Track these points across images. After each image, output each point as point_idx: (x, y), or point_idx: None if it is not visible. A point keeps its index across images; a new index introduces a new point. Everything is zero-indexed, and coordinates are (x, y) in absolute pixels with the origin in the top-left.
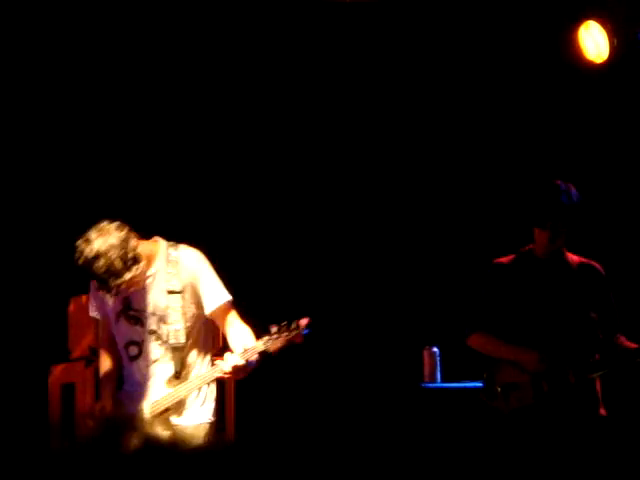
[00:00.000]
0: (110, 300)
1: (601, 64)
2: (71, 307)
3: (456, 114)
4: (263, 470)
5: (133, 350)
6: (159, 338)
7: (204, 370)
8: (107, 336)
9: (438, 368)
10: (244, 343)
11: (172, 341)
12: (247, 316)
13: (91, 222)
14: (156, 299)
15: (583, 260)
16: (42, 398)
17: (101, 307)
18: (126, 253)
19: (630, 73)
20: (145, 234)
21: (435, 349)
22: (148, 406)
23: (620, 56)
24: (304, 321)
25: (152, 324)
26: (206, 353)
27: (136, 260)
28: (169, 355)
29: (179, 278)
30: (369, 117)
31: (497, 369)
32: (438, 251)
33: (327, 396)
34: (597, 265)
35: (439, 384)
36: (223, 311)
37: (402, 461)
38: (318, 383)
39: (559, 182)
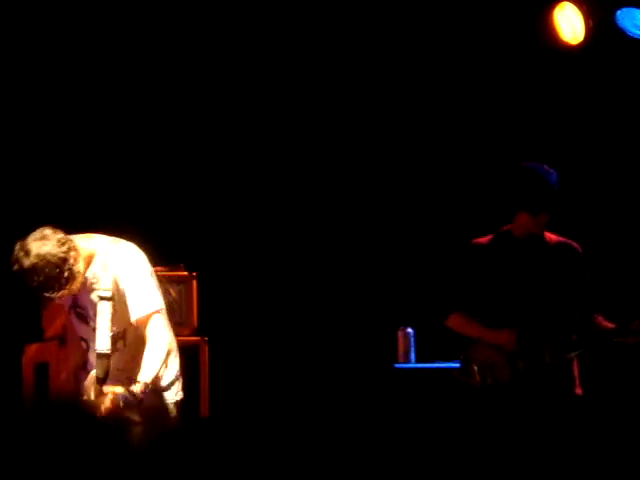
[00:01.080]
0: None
1: (577, 45)
2: None
3: (433, 97)
4: (236, 447)
5: (84, 345)
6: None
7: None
8: None
9: (412, 349)
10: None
11: (97, 347)
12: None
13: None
14: (91, 302)
15: (561, 239)
16: (16, 378)
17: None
18: (62, 272)
19: (606, 54)
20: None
21: (409, 330)
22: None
23: (596, 37)
24: None
25: (93, 322)
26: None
27: (69, 279)
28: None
29: (109, 282)
30: (346, 94)
31: (474, 348)
32: (412, 232)
33: (302, 376)
34: (575, 244)
35: (413, 364)
36: (145, 321)
37: (375, 442)
38: (293, 363)
39: (538, 165)
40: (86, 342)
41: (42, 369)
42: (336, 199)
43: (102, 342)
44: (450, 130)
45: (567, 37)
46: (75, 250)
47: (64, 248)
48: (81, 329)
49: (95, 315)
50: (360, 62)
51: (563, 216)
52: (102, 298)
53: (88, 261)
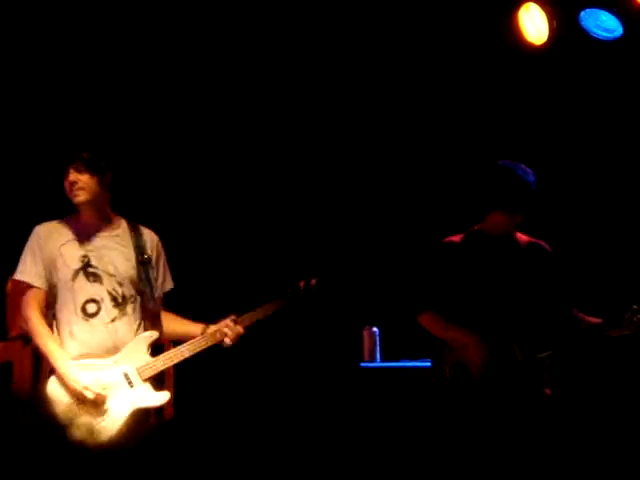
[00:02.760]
0: (67, 258)
1: (541, 46)
2: (8, 286)
3: (400, 98)
4: (201, 448)
5: (91, 308)
6: (114, 300)
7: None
8: (43, 304)
9: (378, 347)
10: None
11: (133, 308)
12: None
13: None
14: (121, 263)
15: (532, 240)
16: None
17: (49, 268)
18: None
19: (569, 54)
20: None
21: (375, 329)
22: (134, 370)
23: (560, 38)
24: (313, 281)
25: (110, 284)
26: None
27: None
28: (135, 323)
29: (147, 251)
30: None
31: (446, 347)
32: (378, 232)
33: (268, 376)
34: (545, 244)
35: (379, 363)
36: (161, 298)
37: (341, 440)
38: (258, 363)
39: (514, 165)
40: (97, 303)
41: (6, 369)
42: (303, 198)
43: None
44: (418, 130)
45: (531, 37)
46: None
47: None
48: (91, 290)
49: (113, 276)
50: (331, 63)
51: (534, 215)
52: (143, 262)
53: (115, 223)
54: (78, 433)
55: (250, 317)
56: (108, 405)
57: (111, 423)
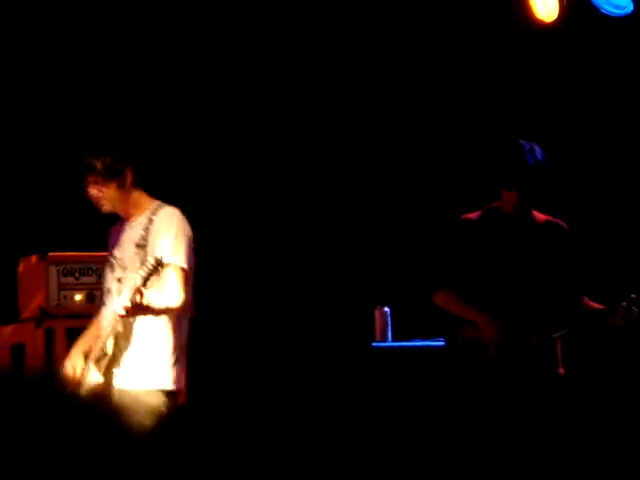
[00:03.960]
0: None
1: (551, 23)
2: (21, 268)
3: (414, 76)
4: (216, 433)
5: (107, 297)
6: (119, 281)
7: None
8: None
9: (389, 327)
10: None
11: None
12: None
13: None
14: (125, 249)
15: (549, 218)
16: None
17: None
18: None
19: (580, 32)
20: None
21: (386, 309)
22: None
23: (570, 15)
24: None
25: (119, 272)
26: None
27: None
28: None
29: (148, 233)
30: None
31: (460, 325)
32: (388, 211)
33: (279, 357)
34: (563, 223)
35: (390, 343)
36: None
37: (353, 421)
38: (270, 344)
39: (523, 142)
40: (110, 292)
41: (18, 350)
42: (313, 178)
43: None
44: (431, 108)
45: (541, 15)
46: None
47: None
48: (108, 279)
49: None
50: (339, 43)
51: (549, 195)
52: (138, 245)
53: (137, 211)
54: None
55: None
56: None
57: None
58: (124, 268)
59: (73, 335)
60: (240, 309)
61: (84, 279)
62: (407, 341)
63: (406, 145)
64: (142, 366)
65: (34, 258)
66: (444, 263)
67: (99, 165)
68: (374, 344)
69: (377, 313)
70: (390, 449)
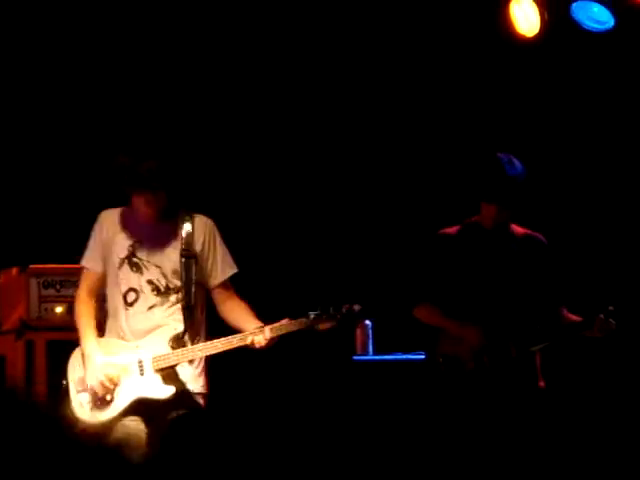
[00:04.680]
0: (118, 245)
1: (532, 38)
2: (1, 279)
3: (394, 88)
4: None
5: (131, 297)
6: (156, 289)
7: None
8: (94, 287)
9: (370, 341)
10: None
11: (177, 298)
12: None
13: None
14: (167, 254)
15: (528, 232)
16: None
17: (105, 254)
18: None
19: (561, 46)
20: None
21: (367, 322)
22: (149, 359)
23: (551, 30)
24: (356, 307)
25: (152, 275)
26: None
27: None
28: (174, 312)
29: (195, 242)
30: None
31: (440, 340)
32: (370, 226)
33: (259, 369)
34: (541, 237)
35: (371, 356)
36: (227, 284)
37: (333, 434)
38: (249, 355)
39: (501, 155)
40: (136, 292)
41: None
42: (297, 191)
43: (186, 295)
44: (411, 122)
45: (523, 29)
46: None
47: None
48: (132, 280)
49: (158, 267)
50: (323, 52)
51: (527, 209)
52: (188, 256)
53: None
54: (81, 412)
55: (286, 328)
56: (116, 390)
57: (113, 408)
58: (163, 275)
59: (54, 347)
60: (223, 324)
61: (65, 291)
62: (388, 354)
63: (387, 162)
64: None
65: (15, 270)
66: (424, 277)
67: (155, 184)
68: (355, 357)
69: (359, 327)
70: (372, 461)
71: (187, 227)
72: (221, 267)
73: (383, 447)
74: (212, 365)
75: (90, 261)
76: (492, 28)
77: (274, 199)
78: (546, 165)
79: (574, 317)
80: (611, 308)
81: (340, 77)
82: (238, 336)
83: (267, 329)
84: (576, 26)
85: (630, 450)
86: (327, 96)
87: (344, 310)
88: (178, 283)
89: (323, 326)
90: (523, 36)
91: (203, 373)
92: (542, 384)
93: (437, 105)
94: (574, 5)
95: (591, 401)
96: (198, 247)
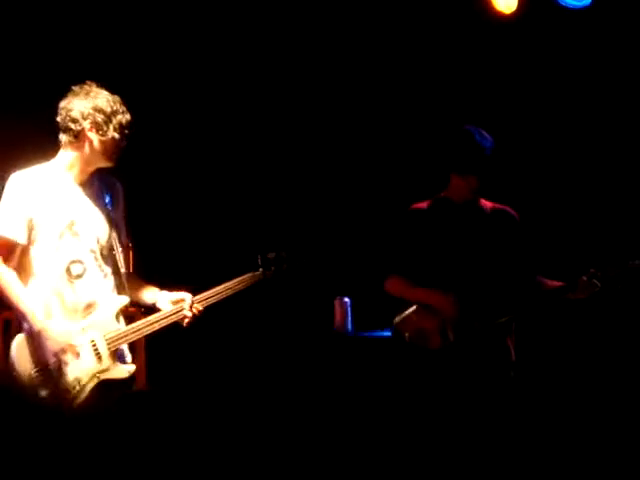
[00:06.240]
0: (53, 215)
1: (510, 14)
2: None
3: (374, 64)
4: (175, 418)
5: (77, 269)
6: (98, 259)
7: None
8: (26, 261)
9: (349, 318)
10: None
11: (114, 268)
12: None
13: None
14: (99, 220)
15: (497, 206)
16: None
17: (40, 225)
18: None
19: (538, 23)
20: None
21: (346, 299)
22: (101, 338)
23: (529, 6)
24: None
25: (93, 243)
26: None
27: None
28: (114, 282)
29: (118, 207)
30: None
31: (405, 316)
32: (349, 202)
33: (240, 345)
34: (511, 210)
35: (350, 334)
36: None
37: (314, 409)
38: (231, 332)
39: (470, 127)
40: (82, 264)
41: None
42: (273, 171)
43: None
44: (386, 97)
45: (501, 6)
46: None
47: None
48: (78, 250)
49: (95, 234)
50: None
51: (500, 182)
52: (112, 219)
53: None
54: (42, 400)
55: (218, 293)
56: (74, 374)
57: (75, 392)
58: (99, 240)
59: None
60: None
61: None
62: (367, 332)
63: (360, 141)
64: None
65: None
66: (395, 251)
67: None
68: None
69: (337, 303)
70: (351, 438)
71: (107, 189)
72: (123, 235)
73: (361, 424)
74: (184, 337)
75: (23, 234)
76: (470, 5)
77: (251, 180)
78: (525, 140)
79: (556, 283)
80: (593, 270)
81: (309, 51)
82: (174, 308)
83: (205, 296)
84: (553, 2)
85: (602, 428)
86: (296, 74)
87: (270, 258)
88: (107, 250)
89: (245, 282)
90: (501, 12)
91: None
92: (512, 357)
93: (413, 81)
94: None
95: (562, 376)
96: (119, 210)
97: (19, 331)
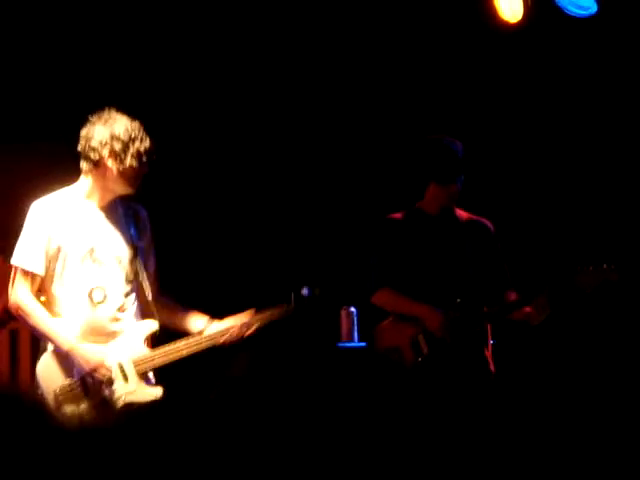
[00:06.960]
0: (74, 242)
1: (516, 24)
2: None
3: (368, 71)
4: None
5: (98, 295)
6: (122, 285)
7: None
8: (50, 287)
9: (355, 328)
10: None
11: (140, 293)
12: None
13: None
14: (121, 246)
15: (472, 217)
16: None
17: (61, 252)
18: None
19: (544, 32)
20: None
21: (352, 309)
22: (129, 361)
23: (534, 15)
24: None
25: (115, 269)
26: None
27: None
28: (139, 307)
29: (145, 234)
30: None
31: (379, 332)
32: (351, 214)
33: (243, 355)
34: (486, 221)
35: (356, 344)
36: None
37: (316, 421)
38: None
39: (440, 136)
40: (103, 289)
41: None
42: (262, 178)
43: (148, 290)
44: (370, 107)
45: (506, 16)
46: None
47: None
48: (97, 276)
49: (119, 261)
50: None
51: (479, 194)
52: (138, 246)
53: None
54: (66, 418)
55: (259, 321)
56: (101, 394)
57: (101, 414)
58: (124, 267)
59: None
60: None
61: None
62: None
63: (361, 141)
64: None
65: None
66: (377, 263)
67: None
68: (340, 344)
69: (343, 313)
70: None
71: (132, 215)
72: (151, 262)
73: (365, 436)
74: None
75: (40, 264)
76: (475, 14)
77: (232, 192)
78: (531, 151)
79: (515, 297)
80: (548, 290)
81: (290, 55)
82: (216, 333)
83: (250, 322)
84: (559, 12)
85: (583, 430)
86: (277, 79)
87: (304, 294)
88: (132, 277)
89: (279, 314)
90: (506, 22)
91: None
92: (492, 368)
93: (412, 91)
94: None
95: (542, 388)
96: (147, 238)
97: (27, 341)
